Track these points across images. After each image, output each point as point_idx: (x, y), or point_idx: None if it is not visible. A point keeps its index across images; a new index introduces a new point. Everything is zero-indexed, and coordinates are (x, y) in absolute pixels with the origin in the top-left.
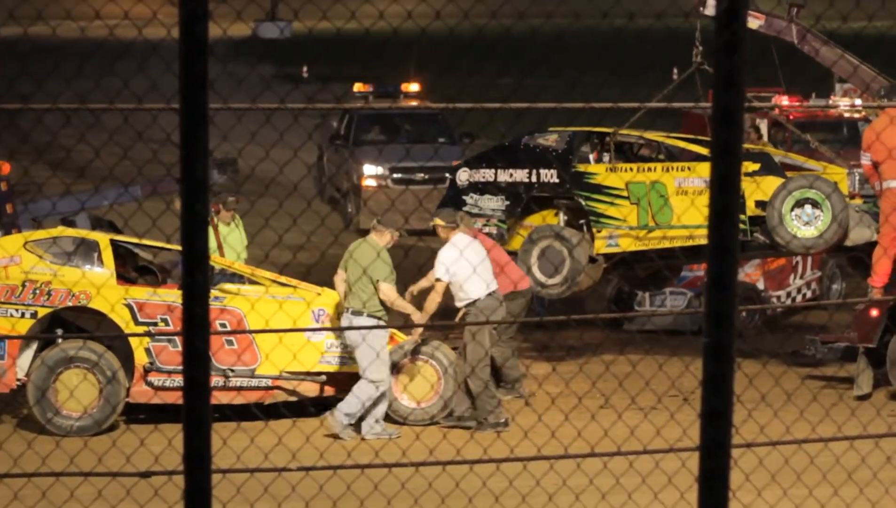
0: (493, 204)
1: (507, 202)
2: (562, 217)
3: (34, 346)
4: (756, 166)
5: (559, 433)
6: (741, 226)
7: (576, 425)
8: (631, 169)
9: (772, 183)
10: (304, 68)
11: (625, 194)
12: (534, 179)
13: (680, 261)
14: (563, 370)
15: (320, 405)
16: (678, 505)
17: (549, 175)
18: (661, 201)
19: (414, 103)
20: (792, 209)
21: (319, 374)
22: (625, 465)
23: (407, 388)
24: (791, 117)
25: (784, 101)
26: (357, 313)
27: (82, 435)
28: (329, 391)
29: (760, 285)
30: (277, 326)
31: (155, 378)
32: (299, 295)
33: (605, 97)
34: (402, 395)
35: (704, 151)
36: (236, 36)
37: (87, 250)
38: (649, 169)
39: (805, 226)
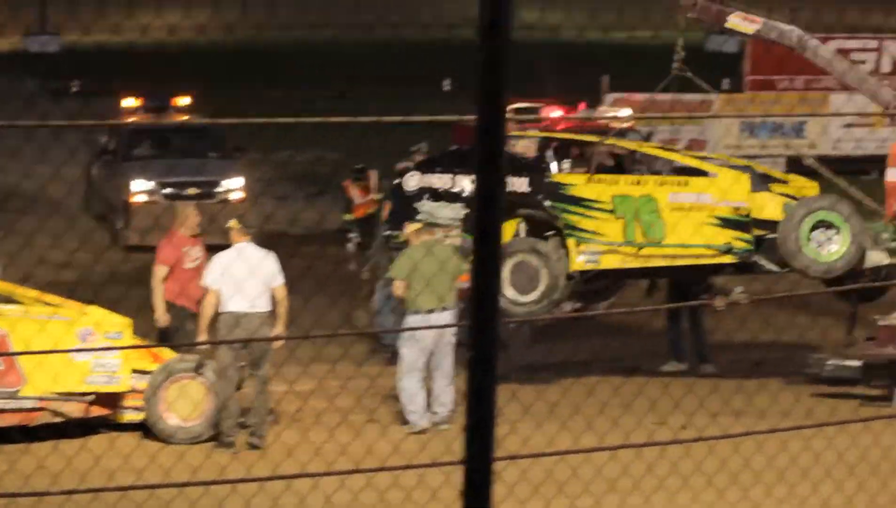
0: (451, 212)
1: (467, 211)
2: (522, 228)
3: None
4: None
5: (324, 450)
6: (747, 246)
7: (341, 440)
8: (617, 182)
9: (765, 199)
10: (76, 82)
11: (608, 207)
12: None
13: (662, 277)
14: (329, 385)
15: (84, 426)
16: None
17: (520, 184)
18: (652, 217)
19: (185, 117)
20: (810, 232)
21: (86, 394)
22: (389, 480)
23: (172, 406)
24: (561, 128)
25: (554, 113)
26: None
27: None
28: (95, 411)
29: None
30: (41, 347)
31: None
32: (64, 314)
33: (374, 111)
34: (167, 413)
35: (705, 165)
36: (4, 50)
37: None
38: (637, 182)
39: (819, 249)
